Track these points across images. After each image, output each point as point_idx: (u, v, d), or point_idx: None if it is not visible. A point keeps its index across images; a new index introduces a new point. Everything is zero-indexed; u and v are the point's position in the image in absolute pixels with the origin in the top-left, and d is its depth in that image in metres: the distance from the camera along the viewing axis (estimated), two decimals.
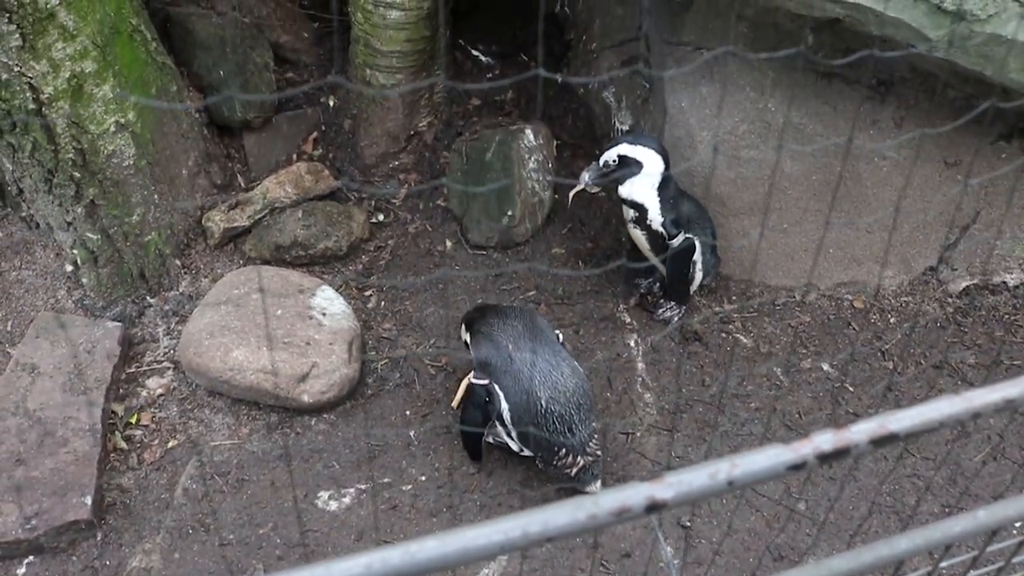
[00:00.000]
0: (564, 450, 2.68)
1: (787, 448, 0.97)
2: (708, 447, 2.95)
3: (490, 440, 2.92)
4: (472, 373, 2.78)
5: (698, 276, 3.25)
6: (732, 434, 3.00)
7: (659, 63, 3.43)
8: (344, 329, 3.06)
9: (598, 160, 3.09)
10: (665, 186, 3.07)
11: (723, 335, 3.30)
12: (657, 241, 3.15)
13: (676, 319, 3.30)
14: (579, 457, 2.70)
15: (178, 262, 3.38)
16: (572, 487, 2.79)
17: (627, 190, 3.08)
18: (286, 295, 3.10)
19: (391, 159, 3.75)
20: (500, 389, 2.69)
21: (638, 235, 3.19)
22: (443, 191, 3.69)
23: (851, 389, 3.16)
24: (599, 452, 2.76)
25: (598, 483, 2.79)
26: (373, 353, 3.19)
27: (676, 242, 3.13)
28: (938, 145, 3.35)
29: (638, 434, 2.98)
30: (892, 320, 3.38)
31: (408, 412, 3.04)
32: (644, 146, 3.02)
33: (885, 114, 3.28)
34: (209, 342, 2.95)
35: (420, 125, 3.77)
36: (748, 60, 3.23)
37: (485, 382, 2.72)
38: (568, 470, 2.72)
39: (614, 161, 3.03)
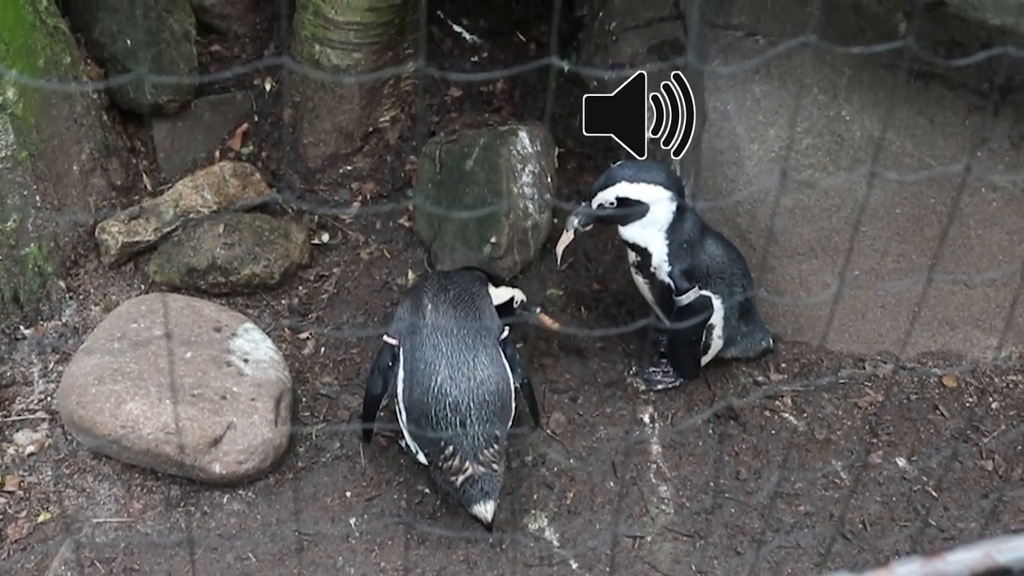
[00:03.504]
0: (451, 448, 2.82)
1: None
2: (743, 562, 2.91)
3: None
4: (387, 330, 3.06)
5: (715, 345, 3.25)
6: (773, 545, 2.98)
7: (699, 51, 3.41)
8: (271, 381, 3.07)
9: (590, 201, 3.09)
10: (678, 226, 3.08)
11: (767, 414, 3.29)
12: (663, 293, 3.16)
13: (662, 388, 3.34)
14: (467, 463, 2.83)
15: (62, 284, 3.38)
16: (461, 504, 2.90)
17: (629, 232, 3.13)
18: (198, 334, 3.09)
19: (342, 163, 3.76)
20: (403, 353, 2.94)
21: (640, 282, 3.23)
22: (408, 208, 3.69)
23: (935, 495, 3.12)
24: (496, 466, 2.86)
25: (490, 505, 2.85)
26: (307, 414, 3.20)
27: (686, 299, 3.12)
28: None
29: (648, 539, 2.97)
30: (994, 405, 3.35)
31: (349, 494, 3.04)
32: (648, 182, 3.03)
33: (999, 131, 3.26)
34: (97, 390, 2.94)
35: (382, 120, 3.78)
36: (820, 52, 3.18)
37: (394, 343, 2.97)
38: (453, 477, 2.84)
39: (611, 204, 3.06)
